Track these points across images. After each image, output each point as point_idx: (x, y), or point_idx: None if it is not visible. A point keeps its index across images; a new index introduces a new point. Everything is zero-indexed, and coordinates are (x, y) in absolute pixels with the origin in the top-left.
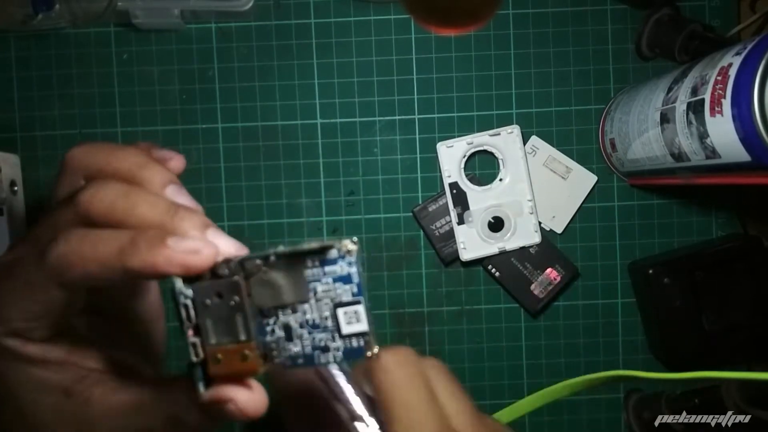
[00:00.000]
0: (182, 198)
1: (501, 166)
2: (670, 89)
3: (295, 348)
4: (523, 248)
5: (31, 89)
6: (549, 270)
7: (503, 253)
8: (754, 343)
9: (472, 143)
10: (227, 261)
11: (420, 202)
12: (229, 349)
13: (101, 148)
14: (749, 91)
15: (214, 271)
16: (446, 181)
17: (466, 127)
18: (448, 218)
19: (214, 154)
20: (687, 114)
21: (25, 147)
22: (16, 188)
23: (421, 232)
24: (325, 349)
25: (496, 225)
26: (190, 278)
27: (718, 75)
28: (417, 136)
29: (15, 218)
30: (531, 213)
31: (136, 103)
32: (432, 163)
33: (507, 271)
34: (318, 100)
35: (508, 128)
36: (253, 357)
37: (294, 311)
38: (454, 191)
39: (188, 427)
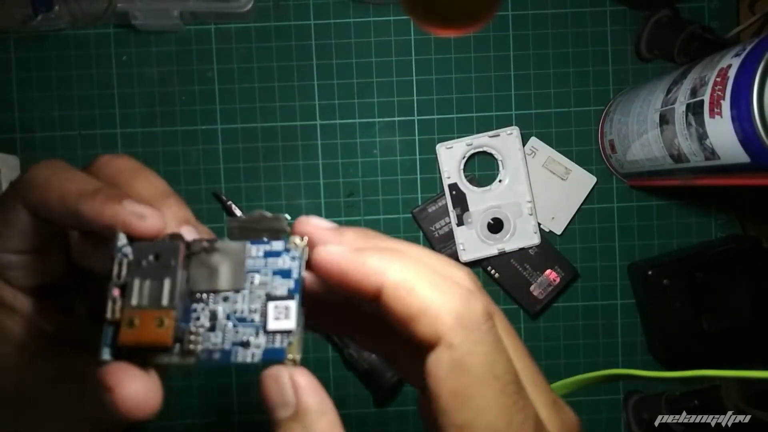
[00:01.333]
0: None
1: (500, 168)
2: (669, 90)
3: (215, 339)
4: (522, 249)
5: (30, 90)
6: (548, 271)
7: (503, 255)
8: (753, 344)
9: (471, 144)
10: (176, 235)
11: (419, 204)
12: (147, 314)
13: (132, 167)
14: (748, 93)
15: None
16: (446, 183)
17: (466, 129)
18: (447, 219)
19: (214, 155)
20: (686, 115)
21: (24, 148)
22: None
23: (421, 234)
24: (246, 345)
25: (496, 226)
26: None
27: (718, 76)
28: (416, 138)
29: None
30: (530, 214)
31: (136, 104)
32: (431, 165)
33: (506, 272)
34: (317, 101)
35: (508, 129)
36: (169, 326)
37: (225, 300)
38: (454, 192)
39: (87, 407)
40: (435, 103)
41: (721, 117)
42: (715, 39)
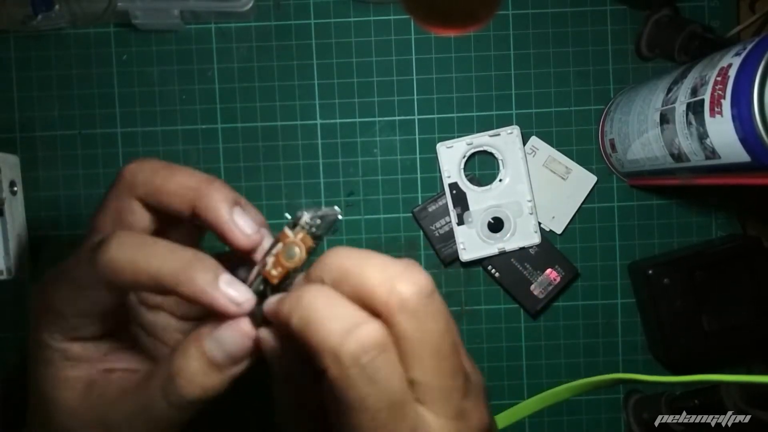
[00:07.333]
0: (246, 218)
1: (501, 167)
2: (669, 90)
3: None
4: (522, 249)
5: (30, 90)
6: (549, 270)
7: (503, 254)
8: (753, 343)
9: (471, 144)
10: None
11: (420, 203)
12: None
13: (161, 168)
14: (749, 92)
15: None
16: (446, 182)
17: (466, 128)
18: (447, 219)
19: (214, 155)
20: (687, 114)
21: (24, 148)
22: (15, 189)
23: (421, 233)
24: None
25: (496, 225)
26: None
27: (718, 75)
28: (417, 137)
29: (15, 219)
30: (531, 213)
31: (136, 103)
32: (432, 164)
33: (507, 271)
34: (318, 100)
35: (508, 129)
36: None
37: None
38: (454, 192)
39: (173, 399)
40: (435, 103)
41: (722, 116)
42: (715, 38)
